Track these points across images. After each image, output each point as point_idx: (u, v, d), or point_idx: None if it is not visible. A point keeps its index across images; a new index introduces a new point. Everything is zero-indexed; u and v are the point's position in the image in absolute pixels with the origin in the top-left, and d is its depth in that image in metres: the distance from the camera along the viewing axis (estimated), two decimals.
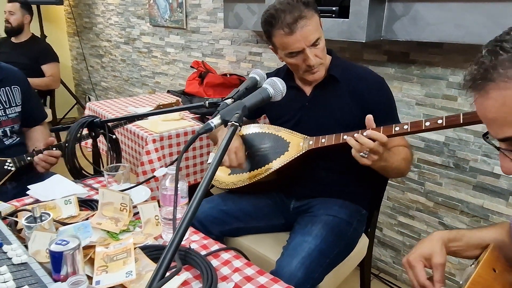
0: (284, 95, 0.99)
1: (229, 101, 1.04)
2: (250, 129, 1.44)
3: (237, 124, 0.80)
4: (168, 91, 2.87)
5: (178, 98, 2.66)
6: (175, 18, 3.20)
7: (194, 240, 1.05)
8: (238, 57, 2.82)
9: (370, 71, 1.36)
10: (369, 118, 1.10)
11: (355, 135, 1.10)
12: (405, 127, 1.08)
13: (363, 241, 1.46)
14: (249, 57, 2.75)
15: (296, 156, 1.28)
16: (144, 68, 3.76)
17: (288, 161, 1.29)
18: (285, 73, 1.41)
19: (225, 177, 1.41)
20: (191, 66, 2.83)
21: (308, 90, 1.38)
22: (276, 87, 0.98)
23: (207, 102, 1.10)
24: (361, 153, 1.09)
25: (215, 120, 0.84)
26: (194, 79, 2.71)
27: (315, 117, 1.35)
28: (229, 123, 0.81)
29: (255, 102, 0.92)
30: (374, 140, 1.07)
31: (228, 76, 2.69)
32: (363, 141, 1.07)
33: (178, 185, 0.99)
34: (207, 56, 3.08)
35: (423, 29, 1.66)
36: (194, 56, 3.19)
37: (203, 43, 3.07)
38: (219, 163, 0.72)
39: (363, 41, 1.68)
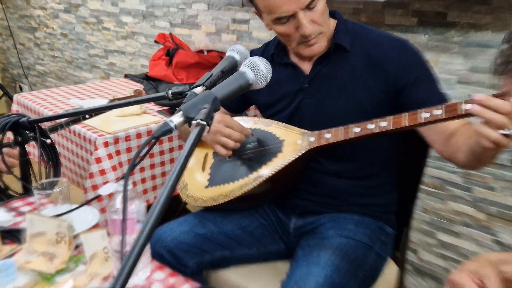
0: (269, 80, 1.01)
1: (198, 89, 1.05)
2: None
3: (204, 122, 0.80)
4: (126, 76, 2.88)
5: (139, 85, 2.68)
6: None
7: (158, 279, 1.05)
8: (219, 27, 2.83)
9: (388, 33, 1.35)
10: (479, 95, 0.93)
11: (485, 98, 0.90)
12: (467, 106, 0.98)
13: (391, 269, 1.46)
14: (232, 26, 2.75)
15: (293, 159, 1.29)
16: (93, 45, 3.76)
17: (283, 166, 1.29)
18: (276, 47, 1.41)
19: (201, 191, 1.42)
20: (156, 41, 2.83)
21: (307, 67, 1.38)
22: (257, 70, 0.99)
23: (170, 91, 1.11)
24: (503, 130, 0.91)
25: (176, 118, 0.84)
26: (160, 59, 2.72)
27: (317, 103, 1.36)
28: (193, 122, 0.81)
29: (230, 92, 0.93)
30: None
31: (206, 53, 2.69)
32: (497, 103, 0.90)
33: (134, 206, 0.99)
34: (176, 26, 3.09)
35: None
36: (159, 27, 3.20)
37: (170, 8, 3.06)
38: (180, 175, 0.72)
39: (381, 0, 1.68)
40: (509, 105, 0.88)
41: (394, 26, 2.05)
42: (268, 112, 1.47)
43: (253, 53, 1.50)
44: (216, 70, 1.12)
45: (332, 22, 1.36)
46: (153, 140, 0.83)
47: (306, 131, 1.31)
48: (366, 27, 1.39)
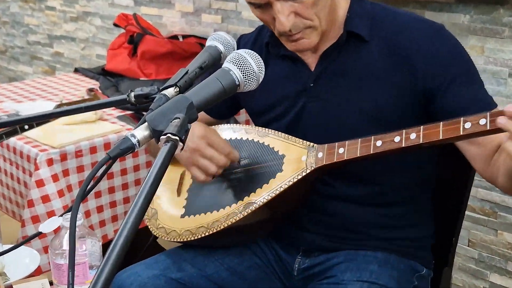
0: (261, 80, 1.01)
1: (170, 92, 1.05)
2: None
3: (176, 137, 0.79)
4: (77, 70, 2.88)
5: (94, 82, 2.67)
6: None
7: None
8: (198, 5, 2.83)
9: (418, 16, 1.37)
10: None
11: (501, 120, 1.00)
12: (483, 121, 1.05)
13: None
14: (215, 3, 2.75)
15: (296, 180, 1.30)
16: (33, 29, 3.76)
17: (283, 189, 1.30)
18: (272, 34, 1.41)
19: (175, 221, 1.43)
20: (115, 24, 2.84)
21: (312, 61, 1.39)
22: (246, 68, 0.99)
23: (132, 94, 1.10)
24: None
25: (140, 132, 0.84)
26: (122, 47, 2.72)
27: (325, 108, 1.38)
28: (162, 137, 0.80)
29: (210, 96, 0.94)
30: None
31: (181, 39, 2.71)
32: None
33: (85, 246, 0.98)
34: (143, 4, 3.09)
35: None
36: (120, 5, 3.20)
37: None
38: (147, 202, 0.72)
39: None
40: None
41: (424, 3, 2.06)
42: (261, 120, 1.48)
43: (243, 40, 1.50)
44: (193, 66, 1.12)
45: (344, 3, 1.37)
46: (109, 161, 0.83)
47: (312, 144, 1.32)
48: (389, 8, 1.39)
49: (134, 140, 0.83)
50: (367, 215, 1.41)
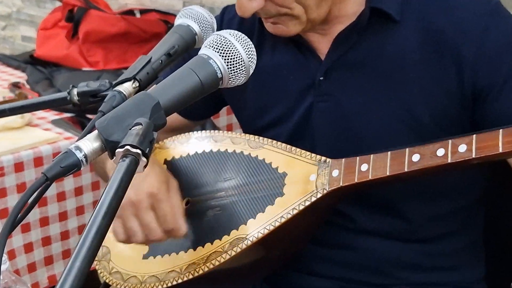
0: (251, 72, 1.02)
1: (126, 88, 1.07)
2: (189, 146, 1.49)
3: (138, 151, 0.79)
4: None
5: (19, 74, 2.66)
6: None
7: None
8: None
9: None
10: None
11: None
12: None
13: None
14: None
15: (303, 208, 1.30)
16: None
17: (284, 220, 1.31)
18: None
19: (135, 264, 1.44)
20: None
21: (323, 46, 1.41)
22: (231, 55, 1.00)
23: (75, 90, 1.11)
24: None
25: (87, 143, 0.84)
26: (57, 26, 2.72)
27: (339, 109, 1.40)
28: (118, 151, 0.80)
29: (183, 95, 0.94)
30: None
31: (139, 15, 2.72)
32: None
33: None
34: None
35: None
36: None
37: None
38: (99, 239, 0.72)
39: None
40: None
41: None
42: (253, 125, 1.50)
43: (227, 14, 1.53)
44: (157, 52, 1.13)
45: None
46: (46, 183, 0.81)
47: (325, 158, 1.33)
48: None
49: (79, 155, 0.83)
50: (395, 252, 1.42)
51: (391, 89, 1.36)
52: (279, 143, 1.39)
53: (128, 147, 0.79)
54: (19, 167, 1.98)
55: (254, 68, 1.03)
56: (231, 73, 0.99)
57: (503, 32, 1.32)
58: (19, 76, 2.64)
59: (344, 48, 1.38)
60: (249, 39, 1.02)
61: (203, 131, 1.49)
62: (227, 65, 0.99)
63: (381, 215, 1.41)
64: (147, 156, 0.81)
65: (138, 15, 2.71)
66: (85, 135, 0.86)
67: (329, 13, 1.35)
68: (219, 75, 0.98)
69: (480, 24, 1.31)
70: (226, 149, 1.43)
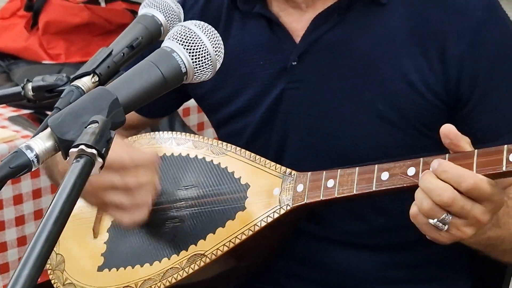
0: (219, 66, 1.03)
1: (86, 82, 1.07)
2: (149, 148, 1.49)
3: (93, 150, 0.78)
4: None
5: None
6: None
7: None
8: None
9: None
10: (449, 130, 1.13)
11: (421, 177, 1.14)
12: None
13: None
14: None
15: (264, 224, 1.31)
16: None
17: (244, 237, 1.32)
18: None
19: (90, 276, 1.44)
20: None
21: (299, 26, 1.41)
22: (197, 48, 1.00)
23: (29, 85, 1.12)
24: (433, 220, 1.13)
25: (39, 142, 0.83)
26: (16, 16, 2.72)
27: (315, 97, 1.41)
28: (72, 151, 0.79)
29: (143, 90, 0.94)
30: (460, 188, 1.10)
31: (103, 4, 2.71)
32: (431, 187, 1.11)
33: None
34: None
35: None
36: None
37: None
38: (50, 246, 0.71)
39: None
40: (436, 180, 1.10)
41: None
42: (219, 115, 1.50)
43: (189, 1, 1.51)
44: (119, 44, 1.13)
45: None
46: None
47: (290, 171, 1.33)
48: None
49: (30, 155, 0.81)
50: (371, 264, 1.44)
51: (370, 79, 1.36)
52: (243, 150, 1.39)
53: (82, 146, 0.79)
54: None
55: (221, 62, 1.03)
56: (197, 67, 1.00)
57: (495, 35, 1.34)
58: None
59: (323, 30, 1.38)
60: (216, 31, 1.02)
61: (165, 132, 1.50)
62: (192, 59, 0.99)
63: (354, 221, 1.42)
64: (103, 156, 0.81)
65: (103, 4, 2.69)
66: (38, 133, 0.85)
67: None
68: (183, 70, 0.99)
69: (473, 20, 1.33)
70: (188, 154, 1.43)
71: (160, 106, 1.59)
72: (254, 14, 1.43)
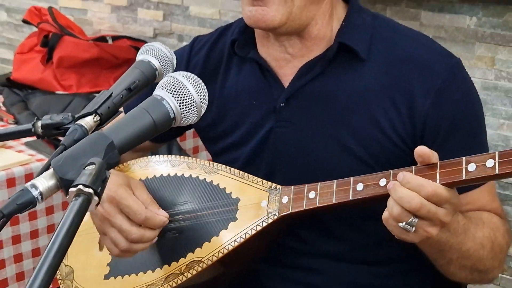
0: (203, 111, 1.04)
1: (88, 122, 1.06)
2: (148, 170, 1.48)
3: (90, 190, 0.79)
4: None
5: None
6: None
7: None
8: None
9: (431, 44, 1.41)
10: (422, 151, 1.14)
11: (389, 185, 1.15)
12: (490, 163, 1.11)
13: None
14: None
15: (254, 233, 1.31)
16: None
17: (237, 244, 1.31)
18: (242, 31, 1.44)
19: (97, 284, 1.44)
20: (25, 21, 2.82)
21: (288, 72, 1.41)
22: (184, 96, 1.00)
23: (39, 123, 1.09)
24: (402, 224, 1.14)
25: (43, 181, 0.83)
26: (33, 51, 2.70)
27: (298, 136, 1.40)
28: (71, 190, 0.79)
29: (136, 134, 0.94)
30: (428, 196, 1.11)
31: (111, 41, 2.72)
32: (401, 195, 1.12)
33: None
34: None
35: None
36: None
37: None
38: (51, 278, 0.71)
39: None
40: (404, 189, 1.12)
41: (421, 1, 2.08)
42: (216, 147, 1.50)
43: (198, 43, 1.53)
44: (119, 87, 1.13)
45: (341, 9, 1.40)
46: (3, 219, 0.80)
47: (275, 185, 1.33)
48: (395, 24, 1.43)
49: (35, 193, 0.82)
50: (352, 276, 1.42)
51: (347, 124, 1.36)
52: (232, 169, 1.39)
53: (80, 186, 0.79)
54: None
55: (205, 108, 1.03)
56: (184, 113, 1.00)
57: (458, 93, 1.34)
58: None
59: (308, 78, 1.38)
60: (201, 81, 1.03)
61: (161, 156, 1.49)
62: (180, 106, 0.99)
63: (333, 238, 1.40)
64: (99, 195, 0.80)
65: (110, 42, 2.70)
66: (42, 173, 0.86)
67: (307, 28, 1.35)
68: (172, 115, 0.98)
69: (438, 80, 1.33)
70: (183, 174, 1.42)
71: (166, 133, 1.57)
72: (249, 59, 1.42)
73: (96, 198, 0.80)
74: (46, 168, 0.87)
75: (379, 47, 1.37)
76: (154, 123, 0.96)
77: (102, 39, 2.72)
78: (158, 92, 1.00)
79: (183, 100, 1.00)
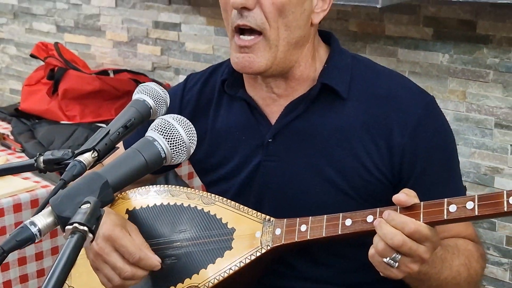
0: (192, 151, 1.04)
1: (87, 157, 1.06)
2: (149, 198, 1.47)
3: (85, 228, 0.79)
4: None
5: (5, 125, 2.64)
6: None
7: None
8: (133, 33, 2.86)
9: (406, 82, 1.42)
10: (400, 199, 1.16)
11: (375, 222, 1.16)
12: (470, 205, 1.13)
13: None
14: (154, 32, 2.78)
15: (248, 261, 1.31)
16: None
17: (232, 272, 1.31)
18: (231, 71, 1.44)
19: None
20: (32, 55, 2.83)
21: (275, 110, 1.42)
22: (174, 137, 1.01)
23: (41, 158, 1.10)
24: (386, 259, 1.15)
25: (41, 218, 0.84)
26: (40, 83, 2.71)
27: (284, 170, 1.40)
28: (67, 228, 0.80)
29: (129, 173, 0.95)
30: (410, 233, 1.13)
31: (112, 75, 2.72)
32: (386, 232, 1.14)
33: None
34: (67, 31, 3.10)
35: None
36: (39, 31, 3.20)
37: (57, 3, 3.08)
38: None
39: (377, 7, 1.75)
40: (389, 227, 1.13)
41: (398, 38, 2.11)
42: (208, 178, 1.50)
43: (191, 80, 1.53)
44: (116, 125, 1.13)
45: (323, 51, 1.41)
46: (3, 255, 0.82)
47: (269, 217, 1.34)
48: (373, 65, 1.44)
49: (34, 229, 0.83)
50: None
51: (330, 158, 1.36)
52: (229, 200, 1.39)
53: (76, 224, 0.80)
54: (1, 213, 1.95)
55: (194, 148, 1.04)
56: (174, 153, 1.01)
57: (431, 130, 1.35)
58: (5, 127, 2.61)
59: (293, 116, 1.38)
60: (190, 123, 1.04)
61: (162, 186, 1.48)
62: (170, 146, 1.00)
63: (322, 264, 1.40)
64: (93, 232, 0.81)
65: (111, 75, 2.71)
66: (41, 210, 0.86)
67: (291, 70, 1.36)
68: (163, 155, 0.99)
69: (414, 117, 1.34)
70: (182, 203, 1.42)
71: (164, 166, 1.58)
72: (238, 98, 1.43)
73: (90, 235, 0.80)
74: (44, 205, 0.87)
75: (358, 86, 1.38)
76: (146, 162, 0.97)
77: (104, 72, 2.73)
78: (150, 133, 1.00)
79: (174, 141, 1.00)
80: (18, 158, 2.30)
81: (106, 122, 2.56)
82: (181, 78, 2.70)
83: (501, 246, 2.02)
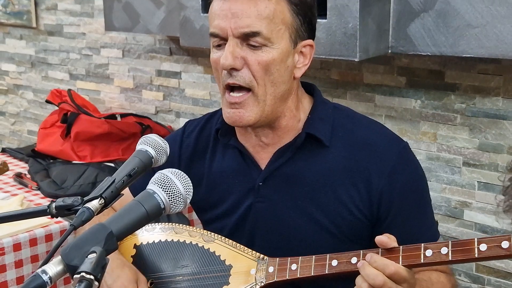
0: (189, 201, 1.04)
1: (94, 204, 1.06)
2: (155, 235, 1.47)
3: (91, 276, 0.80)
4: (4, 151, 2.85)
5: (23, 164, 2.64)
6: (17, 8, 3.23)
7: None
8: (138, 81, 2.87)
9: (382, 131, 1.43)
10: (382, 240, 1.17)
11: (359, 263, 1.17)
12: (444, 251, 1.14)
13: None
14: (157, 80, 2.80)
15: None
16: None
17: None
18: (221, 121, 1.43)
19: None
20: (47, 101, 2.85)
21: (264, 157, 1.43)
22: (172, 190, 1.01)
23: (53, 205, 1.10)
24: None
25: (52, 267, 0.85)
26: (54, 126, 2.72)
27: (273, 211, 1.40)
28: (75, 277, 0.81)
29: (131, 224, 0.95)
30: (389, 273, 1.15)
31: (119, 118, 2.74)
32: (368, 273, 1.14)
33: None
34: (79, 78, 3.12)
35: (461, 36, 1.76)
36: (54, 78, 3.21)
37: (70, 54, 3.11)
38: None
39: (356, 60, 1.76)
40: (371, 268, 1.14)
41: (375, 86, 2.13)
42: (206, 216, 1.50)
43: (189, 127, 1.53)
44: (120, 174, 1.13)
45: (307, 103, 1.42)
46: None
47: (263, 256, 1.34)
48: (352, 114, 1.45)
49: (45, 277, 0.83)
50: None
51: (316, 201, 1.37)
52: (227, 239, 1.39)
53: (83, 273, 0.80)
54: (17, 247, 1.93)
55: (190, 199, 1.04)
56: (172, 204, 1.01)
57: (405, 175, 1.36)
58: (22, 167, 2.61)
59: (281, 162, 1.39)
60: (187, 176, 1.04)
61: (167, 224, 1.48)
62: (169, 198, 1.00)
63: None
64: (99, 280, 0.81)
65: (119, 118, 2.72)
66: (50, 258, 0.88)
67: (277, 120, 1.36)
68: (162, 206, 0.99)
69: (390, 163, 1.35)
70: (185, 240, 1.42)
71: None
72: (230, 145, 1.43)
73: (96, 283, 0.81)
74: (53, 252, 0.88)
75: (339, 134, 1.38)
76: (147, 213, 0.97)
77: (112, 116, 2.75)
78: (150, 186, 1.01)
79: (171, 193, 1.01)
80: (34, 196, 2.29)
81: (114, 161, 2.58)
82: (182, 120, 2.72)
83: (471, 272, 2.02)
